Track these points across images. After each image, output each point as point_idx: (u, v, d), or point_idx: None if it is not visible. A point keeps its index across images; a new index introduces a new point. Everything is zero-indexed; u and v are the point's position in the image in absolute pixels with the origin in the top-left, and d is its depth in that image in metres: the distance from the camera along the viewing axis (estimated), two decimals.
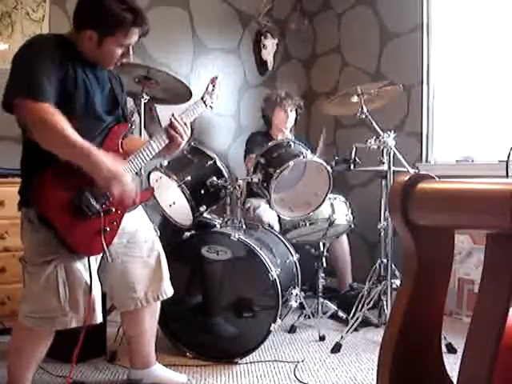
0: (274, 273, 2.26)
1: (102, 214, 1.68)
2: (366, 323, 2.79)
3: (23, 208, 1.71)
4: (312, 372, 2.25)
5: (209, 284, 2.43)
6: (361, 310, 2.69)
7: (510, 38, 3.06)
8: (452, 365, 1.00)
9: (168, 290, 1.98)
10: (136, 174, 1.84)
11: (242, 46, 3.93)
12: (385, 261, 2.77)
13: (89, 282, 1.70)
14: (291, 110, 3.37)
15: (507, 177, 1.51)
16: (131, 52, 1.80)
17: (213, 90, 2.15)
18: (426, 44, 3.46)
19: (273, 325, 2.26)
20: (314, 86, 4.25)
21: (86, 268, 1.71)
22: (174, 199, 2.43)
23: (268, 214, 2.99)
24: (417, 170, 3.18)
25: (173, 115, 1.91)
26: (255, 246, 2.31)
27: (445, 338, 2.42)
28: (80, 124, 1.65)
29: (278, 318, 2.27)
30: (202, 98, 2.11)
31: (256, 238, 2.47)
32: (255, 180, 2.48)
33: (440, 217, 0.89)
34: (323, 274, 2.92)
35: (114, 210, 1.72)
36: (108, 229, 1.71)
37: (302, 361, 2.37)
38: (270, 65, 4.05)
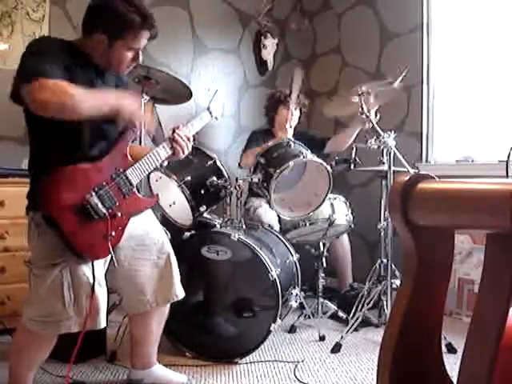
0: (274, 273, 2.26)
1: (108, 218, 1.67)
2: (365, 323, 2.79)
3: (31, 212, 1.70)
4: (312, 372, 2.25)
5: (209, 284, 2.43)
6: (361, 310, 2.69)
7: (510, 38, 3.06)
8: (452, 365, 1.00)
9: (179, 292, 1.98)
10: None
11: (242, 46, 3.93)
12: (385, 261, 2.77)
13: (92, 287, 1.68)
14: (295, 109, 3.33)
15: (507, 177, 1.51)
16: (140, 56, 1.82)
17: (217, 102, 2.20)
18: (426, 44, 3.46)
19: (273, 325, 2.26)
20: (314, 85, 4.25)
21: (91, 272, 1.69)
22: (174, 199, 2.43)
23: (268, 214, 2.99)
24: (417, 170, 3.18)
25: (177, 128, 1.92)
26: (255, 246, 2.31)
27: (445, 337, 2.42)
28: (85, 129, 1.67)
29: (278, 318, 2.27)
30: (208, 109, 2.14)
31: (256, 238, 2.47)
32: (255, 180, 2.48)
33: (440, 217, 0.89)
34: (323, 274, 2.92)
35: (119, 214, 1.72)
36: (113, 233, 1.70)
37: (302, 361, 2.37)
38: (269, 65, 4.05)
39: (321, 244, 2.91)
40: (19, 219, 2.31)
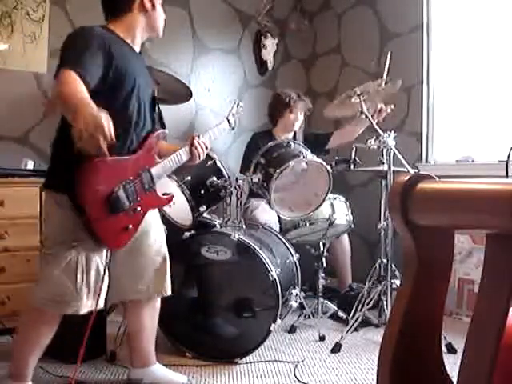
0: (274, 273, 2.26)
1: (131, 211, 1.75)
2: (366, 323, 2.79)
3: (51, 191, 1.75)
4: (312, 372, 2.25)
5: (209, 284, 2.43)
6: (361, 310, 2.69)
7: (510, 38, 3.06)
8: (452, 365, 1.00)
9: (168, 289, 2.03)
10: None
11: (242, 46, 3.93)
12: (385, 261, 2.77)
13: (102, 274, 1.77)
14: (301, 113, 3.34)
15: (507, 177, 1.51)
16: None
17: (237, 112, 2.32)
18: (426, 44, 3.46)
19: (273, 325, 2.26)
20: (314, 85, 4.25)
21: (103, 261, 1.77)
22: (174, 199, 2.42)
23: (265, 215, 2.98)
24: (417, 170, 3.18)
25: (197, 137, 2.00)
26: (255, 246, 2.31)
27: (445, 338, 2.42)
28: (123, 122, 1.72)
29: (278, 318, 2.27)
30: (227, 119, 2.25)
31: (256, 238, 2.47)
32: (255, 180, 2.48)
33: (440, 217, 0.89)
34: (323, 274, 2.92)
35: (139, 209, 1.79)
36: (131, 226, 1.77)
37: (302, 361, 2.37)
38: (269, 65, 4.05)
39: (321, 244, 2.92)
40: (19, 219, 2.32)
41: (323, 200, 2.58)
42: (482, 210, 0.79)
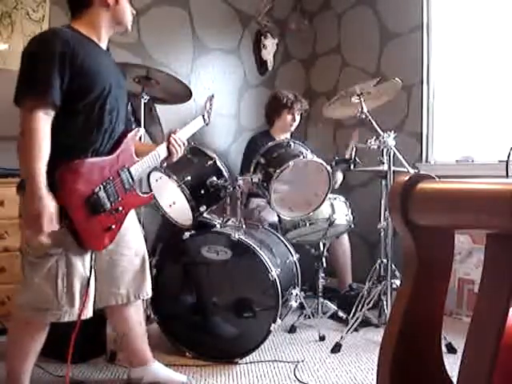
0: (274, 273, 2.26)
1: (112, 211, 1.74)
2: (366, 323, 2.79)
3: None
4: (312, 372, 2.25)
5: (208, 284, 2.43)
6: (361, 310, 2.69)
7: (510, 38, 3.06)
8: (452, 365, 0.99)
9: (149, 291, 2.02)
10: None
11: (242, 46, 3.93)
12: (385, 261, 2.77)
13: (87, 278, 1.74)
14: (298, 114, 3.37)
15: (507, 177, 1.51)
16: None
17: (210, 107, 2.29)
18: (426, 44, 3.46)
19: (273, 325, 2.26)
20: (314, 85, 4.25)
21: (86, 264, 1.75)
22: (173, 199, 2.42)
23: (274, 215, 3.00)
24: (417, 170, 3.18)
25: (173, 133, 1.99)
26: (255, 246, 2.31)
27: (445, 338, 2.42)
28: (98, 125, 1.73)
29: (278, 318, 2.27)
30: (202, 116, 2.24)
31: (256, 238, 2.47)
32: (255, 180, 2.48)
33: (440, 217, 0.89)
34: (323, 274, 2.92)
35: (121, 209, 1.78)
36: (113, 226, 1.77)
37: (302, 361, 2.37)
38: (269, 65, 4.05)
39: (321, 244, 2.92)
40: (19, 219, 2.32)
41: (323, 200, 2.58)
42: (481, 210, 0.79)
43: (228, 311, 2.36)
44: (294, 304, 2.52)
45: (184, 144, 2.02)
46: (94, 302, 1.80)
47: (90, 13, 1.76)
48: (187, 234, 2.42)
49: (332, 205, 2.88)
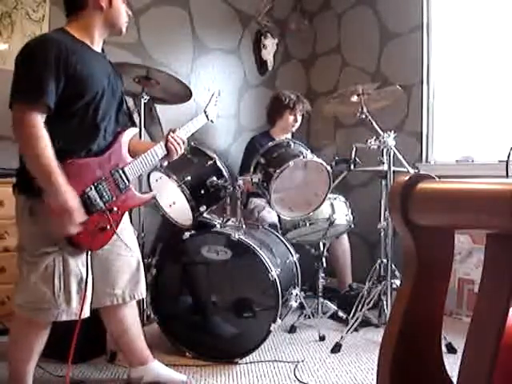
0: (274, 273, 2.26)
1: (106, 211, 1.73)
2: (366, 323, 2.79)
3: (23, 196, 1.72)
4: (312, 372, 2.25)
5: (209, 284, 2.43)
6: (361, 310, 2.69)
7: (510, 38, 3.06)
8: (452, 365, 0.99)
9: (143, 292, 2.01)
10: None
11: (242, 46, 3.93)
12: (385, 261, 2.77)
13: (84, 278, 1.74)
14: (300, 115, 3.37)
15: (507, 177, 1.51)
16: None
17: (215, 104, 2.26)
18: (425, 44, 3.47)
19: (273, 325, 2.26)
20: (314, 85, 4.25)
21: (83, 263, 1.75)
22: (173, 199, 2.43)
23: (272, 214, 3.00)
24: (417, 170, 3.18)
25: (173, 131, 1.98)
26: (255, 246, 2.31)
27: (445, 338, 2.42)
28: (90, 125, 1.72)
29: (278, 318, 2.27)
30: (204, 112, 2.21)
31: (256, 238, 2.47)
32: (255, 180, 2.48)
33: (440, 217, 0.89)
34: (323, 274, 2.92)
35: (115, 209, 1.77)
36: (109, 227, 1.76)
37: (302, 361, 2.37)
38: (269, 65, 4.05)
39: (321, 244, 2.92)
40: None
41: (323, 200, 2.58)
42: (481, 210, 0.79)
43: (228, 311, 2.36)
44: (294, 304, 2.52)
45: (183, 142, 2.00)
46: (91, 302, 1.80)
47: (84, 15, 1.76)
48: (187, 234, 2.42)
49: (332, 205, 2.88)
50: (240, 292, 2.36)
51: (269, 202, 2.49)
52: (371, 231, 3.05)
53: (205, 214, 2.48)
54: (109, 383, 2.11)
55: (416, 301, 0.93)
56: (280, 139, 2.74)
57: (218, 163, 2.46)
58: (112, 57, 1.98)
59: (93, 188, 1.70)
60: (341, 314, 2.92)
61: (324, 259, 2.90)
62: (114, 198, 1.77)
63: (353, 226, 3.01)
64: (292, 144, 2.54)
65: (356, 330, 2.69)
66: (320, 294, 2.92)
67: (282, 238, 2.74)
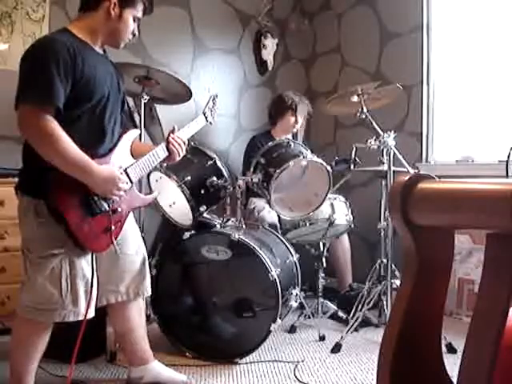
0: (274, 273, 2.26)
1: (110, 212, 1.75)
2: (365, 323, 2.79)
3: (28, 197, 1.71)
4: (312, 372, 2.25)
5: (209, 284, 2.43)
6: (361, 310, 2.69)
7: (510, 38, 3.06)
8: (452, 365, 0.99)
9: (148, 289, 2.02)
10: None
11: (241, 46, 3.93)
12: (385, 261, 2.77)
13: (90, 279, 1.75)
14: (301, 117, 3.37)
15: (507, 177, 1.51)
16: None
17: (213, 106, 2.26)
18: (426, 44, 3.46)
19: (273, 325, 2.26)
20: (313, 85, 4.25)
21: (88, 264, 1.76)
22: (174, 199, 2.43)
23: (272, 214, 3.00)
24: (417, 170, 3.18)
25: (172, 132, 1.98)
26: (255, 246, 2.31)
27: (445, 338, 2.42)
28: (95, 127, 1.74)
29: (277, 318, 2.26)
30: (203, 114, 2.21)
31: (256, 238, 2.47)
32: (255, 180, 2.48)
33: (440, 217, 0.89)
34: (323, 274, 2.92)
35: (119, 209, 1.79)
36: (113, 227, 1.76)
37: (302, 361, 2.37)
38: (269, 65, 4.05)
39: (321, 244, 2.92)
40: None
41: (323, 200, 2.58)
42: (482, 210, 0.79)
43: (228, 311, 2.36)
44: (294, 304, 2.52)
45: (184, 143, 2.01)
46: (96, 300, 1.81)
47: (93, 16, 1.77)
48: (187, 234, 2.42)
49: (332, 205, 2.88)
50: (240, 292, 2.36)
51: (269, 202, 2.49)
52: (371, 231, 3.05)
53: (205, 214, 2.48)
54: (109, 383, 2.11)
55: (416, 301, 0.93)
56: (280, 139, 2.74)
57: (218, 163, 2.46)
58: (112, 57, 1.98)
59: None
60: (341, 314, 2.92)
61: (324, 259, 2.90)
62: (118, 199, 1.77)
63: (353, 226, 3.01)
64: (292, 144, 2.54)
65: (356, 329, 2.69)
66: (320, 294, 2.92)
67: (282, 238, 2.74)
